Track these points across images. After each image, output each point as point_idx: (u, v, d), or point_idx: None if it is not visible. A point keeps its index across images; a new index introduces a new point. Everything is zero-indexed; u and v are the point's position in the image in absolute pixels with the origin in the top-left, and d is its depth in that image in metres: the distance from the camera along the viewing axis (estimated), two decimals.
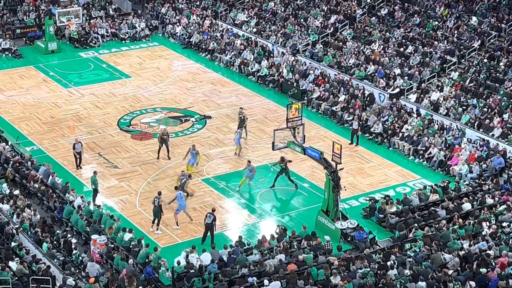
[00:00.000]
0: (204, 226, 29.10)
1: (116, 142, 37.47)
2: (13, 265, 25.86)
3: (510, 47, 43.02)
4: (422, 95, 40.75)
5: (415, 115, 38.99)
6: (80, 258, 27.16)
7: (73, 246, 27.74)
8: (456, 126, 37.42)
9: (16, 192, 31.48)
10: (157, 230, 29.91)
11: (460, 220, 29.50)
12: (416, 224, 29.20)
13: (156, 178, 33.96)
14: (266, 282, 25.03)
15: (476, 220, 29.51)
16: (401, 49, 45.25)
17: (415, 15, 48.15)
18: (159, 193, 30.33)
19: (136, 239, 27.97)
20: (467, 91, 40.36)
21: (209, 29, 52.02)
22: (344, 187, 30.45)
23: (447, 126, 37.54)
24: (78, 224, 29.05)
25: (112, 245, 27.79)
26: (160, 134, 35.86)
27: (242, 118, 37.65)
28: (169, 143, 35.70)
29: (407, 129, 37.88)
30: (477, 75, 41.50)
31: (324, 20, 50.20)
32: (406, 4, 49.89)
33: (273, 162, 34.18)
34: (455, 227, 28.76)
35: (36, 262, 26.10)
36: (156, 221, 29.99)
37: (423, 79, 42.20)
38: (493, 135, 36.52)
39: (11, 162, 33.70)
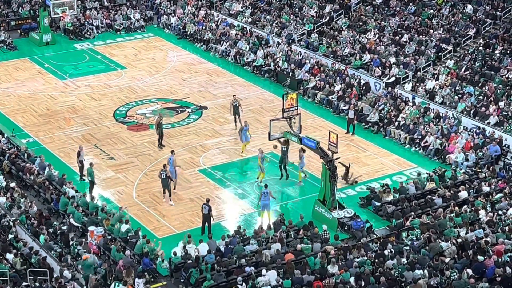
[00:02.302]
0: (204, 219, 29.13)
1: (112, 134, 37.44)
2: (10, 257, 25.89)
3: (505, 35, 42.99)
4: (417, 84, 40.74)
5: (410, 104, 38.98)
6: (76, 250, 27.18)
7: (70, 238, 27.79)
8: (452, 114, 37.43)
9: (13, 184, 31.46)
10: (170, 201, 31.11)
11: (457, 208, 29.54)
12: (412, 213, 29.25)
13: (153, 169, 33.94)
14: (264, 271, 25.08)
15: (472, 208, 29.56)
16: (396, 38, 45.21)
17: (410, 3, 48.09)
18: (164, 166, 31.18)
19: (133, 230, 27.99)
20: (463, 79, 40.35)
21: (204, 19, 51.93)
22: (341, 176, 30.41)
23: (443, 115, 37.56)
24: (75, 216, 29.03)
25: (110, 237, 27.83)
26: (156, 121, 35.98)
27: (236, 105, 37.62)
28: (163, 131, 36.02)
29: (403, 117, 37.88)
30: (472, 63, 41.49)
31: (319, 9, 50.11)
32: None
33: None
34: (452, 215, 28.80)
35: (35, 254, 26.12)
36: (167, 193, 31.03)
37: (418, 67, 42.17)
38: (489, 123, 36.54)
39: (7, 154, 33.69)
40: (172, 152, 32.74)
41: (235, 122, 37.80)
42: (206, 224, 29.02)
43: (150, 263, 26.25)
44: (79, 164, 33.01)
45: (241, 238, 27.87)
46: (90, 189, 31.66)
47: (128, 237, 27.64)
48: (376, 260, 25.65)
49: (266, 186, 30.34)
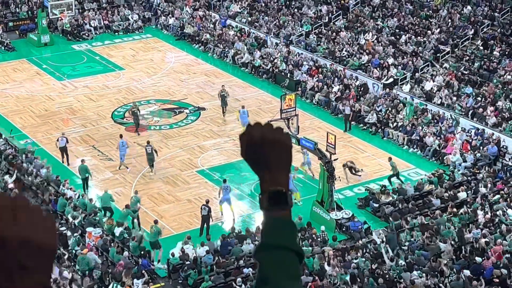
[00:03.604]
0: (203, 220, 29.12)
1: (110, 135, 37.43)
2: None
3: (503, 37, 43.04)
4: (415, 85, 40.77)
5: (408, 104, 39.01)
6: (74, 251, 27.17)
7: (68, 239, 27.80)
8: (450, 115, 37.46)
9: (11, 185, 31.44)
10: (151, 172, 33.19)
11: (454, 209, 29.56)
12: (410, 214, 29.27)
13: (149, 171, 33.92)
14: None
15: (470, 209, 29.58)
16: (394, 39, 45.25)
17: (408, 4, 48.15)
18: (148, 142, 33.29)
19: (125, 232, 27.97)
20: (461, 80, 40.38)
21: (201, 20, 51.92)
22: (339, 177, 30.50)
23: (441, 116, 37.58)
24: (73, 216, 29.02)
25: (108, 238, 27.83)
26: (131, 108, 37.69)
27: (224, 95, 38.81)
28: (140, 118, 37.27)
29: (401, 119, 37.90)
30: (470, 64, 41.53)
31: (317, 11, 50.15)
32: None
33: None
34: (450, 216, 28.82)
35: None
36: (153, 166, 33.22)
37: (417, 68, 42.21)
38: (487, 124, 36.57)
39: (4, 155, 33.68)
40: (121, 136, 34.39)
41: (223, 112, 39.16)
42: (205, 225, 29.05)
43: (148, 264, 26.26)
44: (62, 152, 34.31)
45: (236, 235, 27.88)
46: (83, 186, 31.77)
47: (124, 239, 27.66)
48: (374, 261, 25.69)
49: (225, 181, 30.60)
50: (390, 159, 33.43)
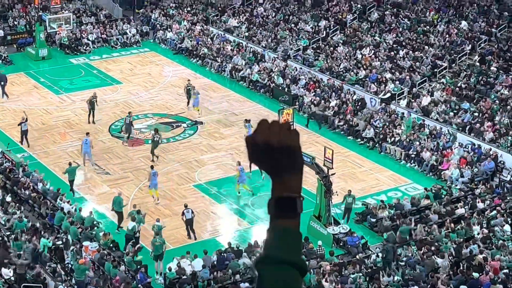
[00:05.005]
0: (187, 223, 29.50)
1: (108, 148, 37.39)
2: (6, 272, 25.78)
3: (501, 52, 43.13)
4: (413, 100, 40.82)
5: (405, 117, 39.04)
6: (70, 265, 27.08)
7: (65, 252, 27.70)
8: (447, 130, 37.48)
9: (8, 199, 31.39)
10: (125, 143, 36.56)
11: (452, 224, 29.54)
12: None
13: (148, 184, 33.86)
14: None
15: (468, 223, 29.53)
16: (392, 53, 45.33)
17: (405, 19, 48.27)
18: (130, 112, 37.74)
19: (138, 226, 28.50)
20: (458, 95, 40.43)
21: (200, 34, 52.00)
22: (336, 192, 30.46)
23: (438, 131, 37.60)
24: (70, 231, 28.95)
25: (105, 252, 27.76)
26: (90, 97, 39.69)
27: (189, 89, 40.80)
28: (96, 107, 39.61)
29: (398, 134, 37.92)
30: (468, 79, 41.60)
31: (315, 25, 50.26)
32: (396, 9, 50.02)
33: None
34: (448, 231, 28.79)
35: (30, 269, 26.05)
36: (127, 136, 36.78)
37: (414, 83, 42.26)
38: (484, 139, 36.59)
39: (1, 169, 33.65)
40: (87, 134, 35.52)
41: (188, 104, 41.84)
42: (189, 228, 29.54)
43: (145, 278, 26.18)
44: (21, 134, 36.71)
45: (234, 249, 27.86)
46: (71, 187, 32.61)
47: (134, 234, 28.22)
48: (371, 276, 25.65)
49: (152, 167, 32.68)
50: (349, 192, 31.56)
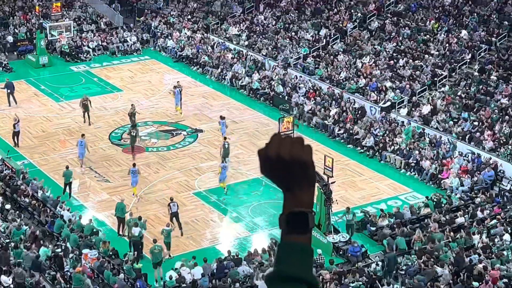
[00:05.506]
0: (172, 216, 30.00)
1: (107, 156, 37.39)
2: (5, 280, 25.76)
3: (501, 61, 43.15)
4: (413, 109, 40.83)
5: (405, 125, 39.05)
6: (69, 273, 27.04)
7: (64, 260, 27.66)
8: (447, 139, 37.48)
9: (8, 206, 31.37)
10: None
11: (452, 233, 29.51)
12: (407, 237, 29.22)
13: (148, 191, 33.88)
14: None
15: (467, 232, 29.50)
16: (392, 62, 45.36)
17: (406, 28, 48.33)
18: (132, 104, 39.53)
19: (143, 231, 28.72)
20: (458, 104, 40.42)
21: (200, 42, 52.06)
22: (336, 200, 30.44)
23: (438, 140, 37.60)
24: (70, 238, 28.93)
25: (104, 259, 27.73)
26: (81, 100, 40.13)
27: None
28: (90, 109, 40.15)
29: (396, 143, 37.90)
30: (468, 88, 41.61)
31: (315, 34, 50.31)
32: (397, 18, 50.07)
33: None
34: (448, 240, 28.76)
35: (30, 277, 26.04)
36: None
37: (414, 92, 42.27)
38: (483, 148, 36.59)
39: (1, 176, 33.65)
40: (82, 135, 36.08)
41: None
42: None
43: (144, 286, 26.14)
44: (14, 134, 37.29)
45: (234, 258, 27.84)
46: (67, 189, 32.88)
47: (141, 239, 28.45)
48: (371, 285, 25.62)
49: (134, 165, 33.27)
50: (348, 209, 31.11)
